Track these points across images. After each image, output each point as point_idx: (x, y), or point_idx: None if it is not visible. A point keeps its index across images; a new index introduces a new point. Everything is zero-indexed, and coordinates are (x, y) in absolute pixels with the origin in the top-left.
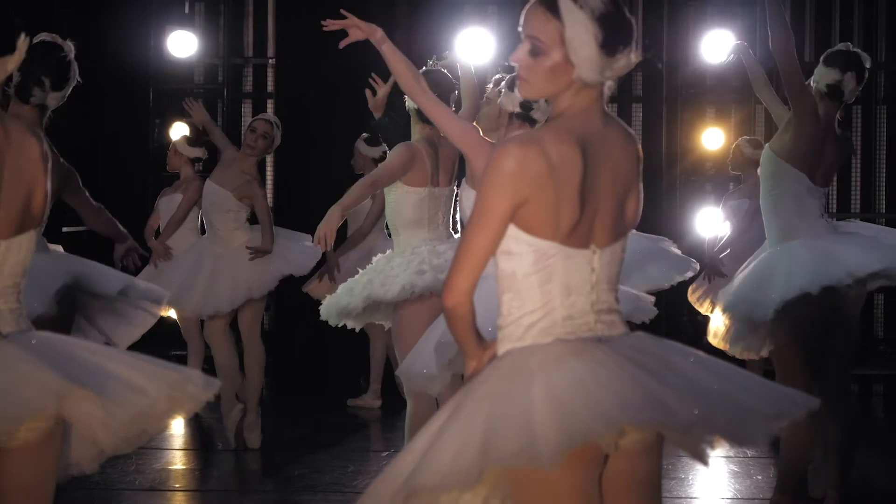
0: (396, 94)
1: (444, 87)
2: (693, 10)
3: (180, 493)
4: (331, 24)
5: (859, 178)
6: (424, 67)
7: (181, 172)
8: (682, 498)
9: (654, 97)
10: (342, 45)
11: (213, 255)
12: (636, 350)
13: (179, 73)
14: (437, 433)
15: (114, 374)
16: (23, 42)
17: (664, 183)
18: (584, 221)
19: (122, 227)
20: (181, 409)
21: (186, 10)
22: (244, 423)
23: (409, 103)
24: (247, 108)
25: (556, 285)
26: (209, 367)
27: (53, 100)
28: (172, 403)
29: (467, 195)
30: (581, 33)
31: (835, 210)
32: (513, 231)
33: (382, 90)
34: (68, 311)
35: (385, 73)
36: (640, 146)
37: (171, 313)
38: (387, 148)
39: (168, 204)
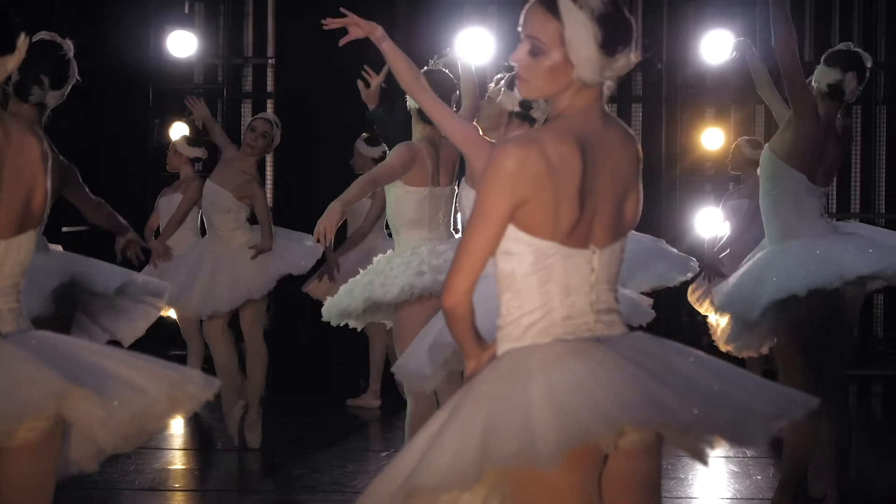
0: (397, 93)
1: (444, 86)
2: (693, 10)
3: (180, 493)
4: (331, 23)
5: (859, 178)
6: (426, 67)
7: (181, 172)
8: (681, 498)
9: (654, 97)
10: (342, 42)
11: (213, 255)
12: (635, 350)
13: (179, 73)
14: (437, 433)
15: (113, 373)
16: (23, 42)
17: (664, 183)
18: (584, 221)
19: (123, 220)
20: (181, 409)
21: (186, 10)
22: (245, 422)
23: (410, 103)
24: (246, 108)
25: (556, 285)
26: (209, 367)
27: (52, 98)
28: (172, 403)
29: (467, 195)
30: (581, 33)
31: (834, 210)
32: (512, 231)
33: (375, 81)
34: (67, 310)
35: (380, 69)
36: (639, 146)
37: (171, 313)
38: (386, 148)
39: (168, 204)
